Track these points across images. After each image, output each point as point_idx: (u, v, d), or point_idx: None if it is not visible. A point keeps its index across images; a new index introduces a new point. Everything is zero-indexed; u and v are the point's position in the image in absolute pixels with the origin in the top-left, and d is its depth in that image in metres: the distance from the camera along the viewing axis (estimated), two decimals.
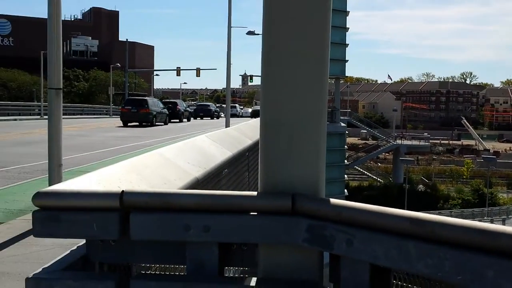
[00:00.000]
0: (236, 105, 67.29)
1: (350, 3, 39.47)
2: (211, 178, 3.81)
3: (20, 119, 36.83)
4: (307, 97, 1.88)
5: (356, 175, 61.10)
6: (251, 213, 1.83)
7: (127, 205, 1.81)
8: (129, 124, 30.50)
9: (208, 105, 54.63)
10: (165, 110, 34.46)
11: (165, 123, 33.19)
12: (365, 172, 61.60)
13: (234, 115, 52.21)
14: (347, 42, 38.87)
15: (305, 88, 1.88)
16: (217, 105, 68.98)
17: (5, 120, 35.21)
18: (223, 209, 1.83)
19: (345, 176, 41.71)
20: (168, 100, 45.71)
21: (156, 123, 31.43)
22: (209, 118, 47.54)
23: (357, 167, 60.51)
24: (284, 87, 1.89)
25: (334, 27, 30.84)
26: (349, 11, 39.26)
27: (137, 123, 30.74)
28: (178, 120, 38.47)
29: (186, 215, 1.81)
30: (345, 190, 38.90)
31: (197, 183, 3.24)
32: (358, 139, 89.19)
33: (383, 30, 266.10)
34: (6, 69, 69.44)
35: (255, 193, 1.90)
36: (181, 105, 41.30)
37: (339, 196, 31.72)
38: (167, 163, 3.20)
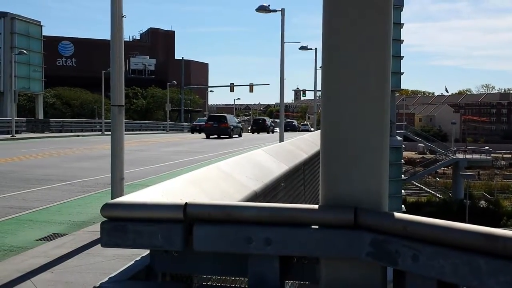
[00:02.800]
0: (308, 123, 79.90)
1: (404, 15, 38.90)
2: (268, 192, 3.82)
3: (83, 135, 38.39)
4: (369, 108, 1.85)
5: (413, 190, 59.29)
6: (313, 226, 1.81)
7: (190, 217, 1.84)
8: (210, 136, 35.93)
9: (293, 122, 68.35)
10: (240, 124, 41.11)
11: (239, 136, 38.83)
12: (423, 187, 59.68)
13: (307, 131, 62.67)
14: (402, 55, 38.33)
15: (367, 100, 1.85)
16: (299, 122, 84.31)
17: (68, 136, 36.82)
18: (284, 222, 1.82)
19: (402, 191, 40.63)
20: (259, 117, 58.86)
21: (233, 136, 36.85)
22: (293, 132, 56.10)
23: (414, 182, 58.77)
24: (345, 99, 1.87)
25: None
26: (403, 23, 38.70)
27: (216, 136, 35.98)
28: (266, 132, 48.52)
29: (248, 228, 1.81)
30: (402, 206, 37.88)
31: (255, 196, 3.25)
32: (415, 153, 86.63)
33: (438, 42, 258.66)
34: (69, 88, 72.83)
35: (316, 206, 1.88)
36: (268, 121, 54.32)
37: (395, 212, 30.89)
38: (225, 176, 3.24)
